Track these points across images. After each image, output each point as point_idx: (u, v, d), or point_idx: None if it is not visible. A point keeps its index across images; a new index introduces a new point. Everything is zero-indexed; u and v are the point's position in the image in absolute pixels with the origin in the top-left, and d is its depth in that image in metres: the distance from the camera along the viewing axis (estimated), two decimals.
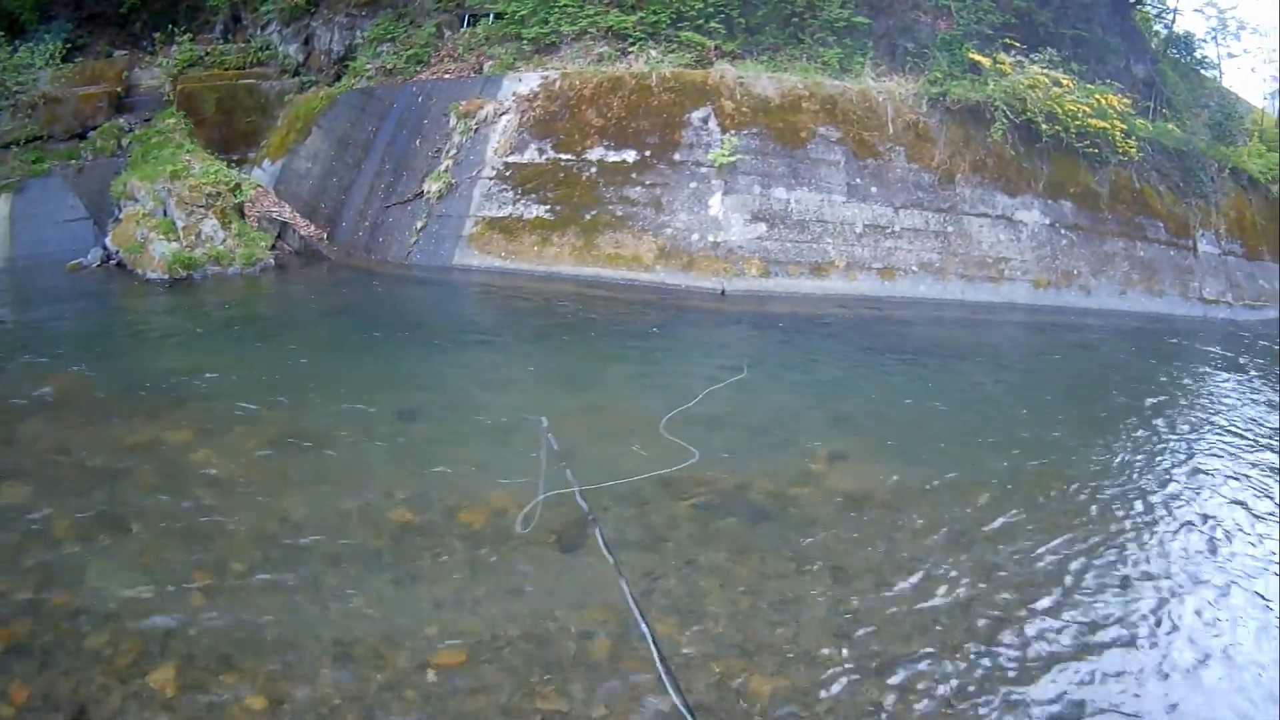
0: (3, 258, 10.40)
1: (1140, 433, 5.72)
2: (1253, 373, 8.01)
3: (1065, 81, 10.02)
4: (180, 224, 9.84)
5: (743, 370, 6.06)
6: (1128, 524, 4.20)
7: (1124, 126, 10.37)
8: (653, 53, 9.19)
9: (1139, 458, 5.22)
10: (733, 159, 8.71)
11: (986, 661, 2.94)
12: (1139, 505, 4.43)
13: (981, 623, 3.16)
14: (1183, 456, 5.30)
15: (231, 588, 3.16)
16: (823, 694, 2.71)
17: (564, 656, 2.82)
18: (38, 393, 5.32)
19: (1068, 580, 3.54)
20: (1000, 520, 4.06)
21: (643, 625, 2.87)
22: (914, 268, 9.01)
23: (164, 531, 3.53)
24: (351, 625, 2.94)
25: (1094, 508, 4.33)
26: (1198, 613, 3.36)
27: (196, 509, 3.73)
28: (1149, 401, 6.62)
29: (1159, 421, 6.06)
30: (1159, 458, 5.26)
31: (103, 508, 3.71)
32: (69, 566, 3.27)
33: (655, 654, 2.75)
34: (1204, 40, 12.43)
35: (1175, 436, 5.77)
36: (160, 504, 3.75)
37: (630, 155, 8.81)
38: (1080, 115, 9.93)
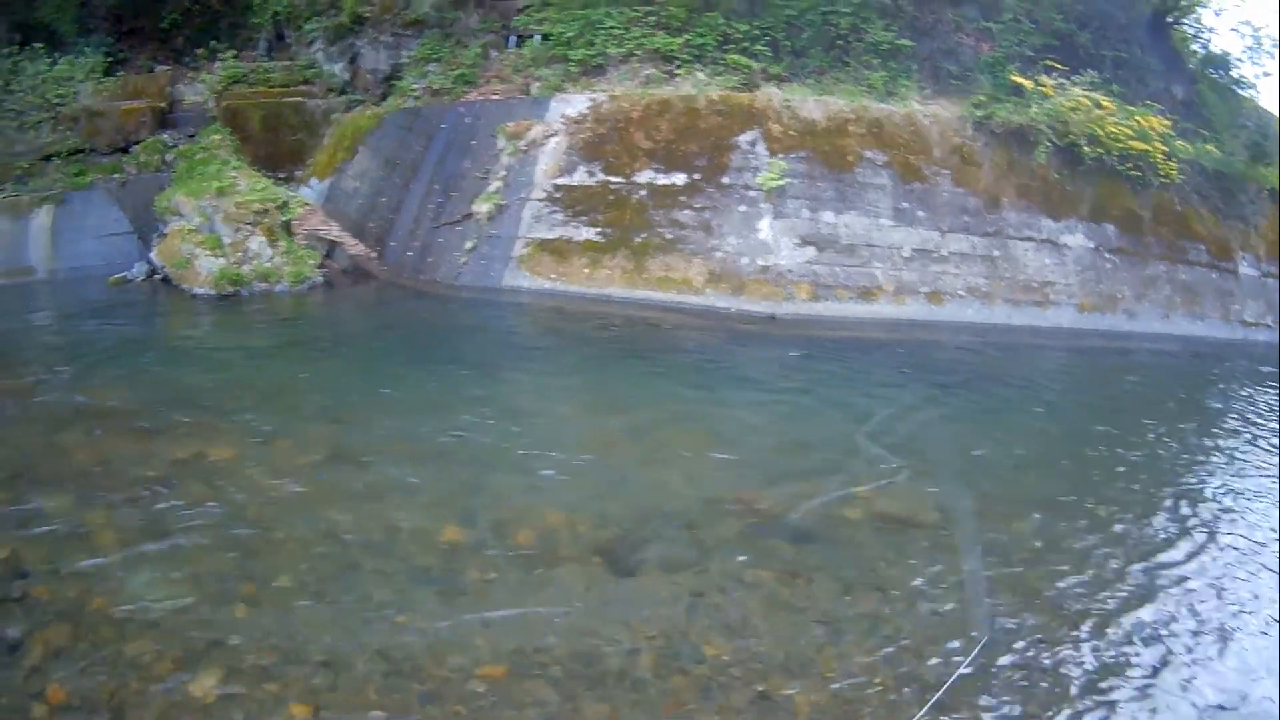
0: (44, 270, 10.46)
1: (1187, 456, 5.80)
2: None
3: (1106, 104, 10.05)
4: (227, 240, 9.91)
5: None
6: (1171, 549, 4.24)
7: (1165, 148, 10.39)
8: (700, 75, 9.23)
9: (1187, 481, 5.29)
10: (781, 182, 8.75)
11: (1028, 686, 2.99)
12: (1182, 529, 4.48)
13: (1024, 646, 3.21)
14: (1229, 480, 5.35)
15: (276, 600, 3.20)
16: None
17: (608, 672, 2.87)
18: (82, 404, 5.40)
19: (1113, 606, 3.58)
20: (1038, 545, 4.11)
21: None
22: (961, 292, 9.04)
23: (208, 544, 3.58)
24: (398, 639, 2.98)
25: (1139, 533, 4.40)
26: (1248, 644, 3.39)
27: (242, 522, 3.78)
28: (1194, 425, 6.71)
29: (1205, 445, 6.15)
30: (1208, 481, 5.32)
31: (146, 519, 3.77)
32: (111, 575, 3.32)
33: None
34: (1240, 59, 12.41)
35: (1222, 461, 5.84)
36: (205, 516, 3.80)
37: (679, 178, 8.86)
38: (1122, 137, 9.95)
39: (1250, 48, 12.56)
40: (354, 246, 9.52)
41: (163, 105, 11.60)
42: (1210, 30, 12.42)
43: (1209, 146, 11.37)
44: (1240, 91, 12.57)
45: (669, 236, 8.71)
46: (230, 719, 2.55)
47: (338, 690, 2.69)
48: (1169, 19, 12.13)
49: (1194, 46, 12.32)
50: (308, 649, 2.88)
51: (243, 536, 3.64)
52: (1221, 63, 12.33)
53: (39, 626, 2.95)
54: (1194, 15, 12.33)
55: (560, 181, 8.96)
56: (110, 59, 12.11)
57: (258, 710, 2.59)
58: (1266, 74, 13.28)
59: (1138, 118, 10.26)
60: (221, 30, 11.54)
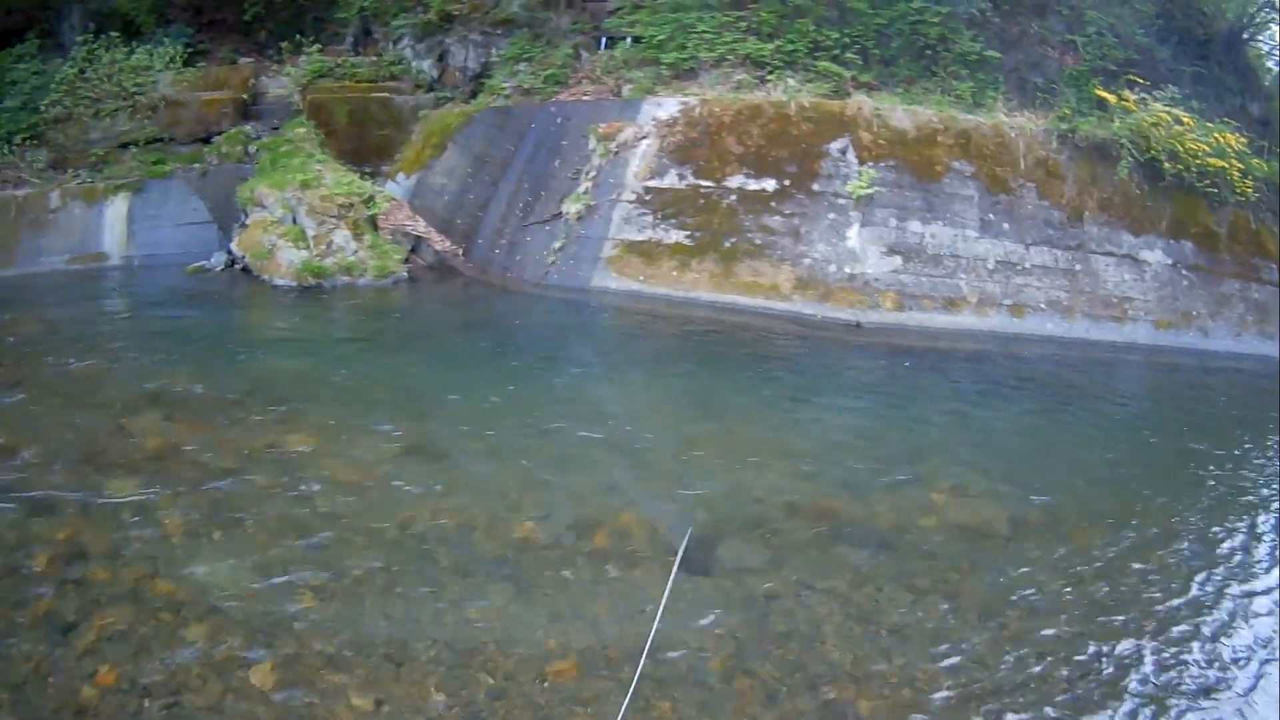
0: (119, 256, 10.65)
1: (1250, 479, 5.82)
2: None
3: (1186, 119, 10.07)
4: (310, 233, 10.09)
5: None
6: (1238, 566, 4.31)
7: (1241, 165, 10.41)
8: (790, 81, 9.33)
9: (1255, 499, 5.34)
10: (870, 191, 8.85)
11: (1092, 696, 3.04)
12: (1250, 548, 4.54)
13: (1084, 658, 3.26)
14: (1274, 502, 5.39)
15: (345, 590, 3.18)
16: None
17: (677, 674, 2.89)
18: (158, 389, 5.40)
19: (1178, 620, 3.64)
20: (1107, 559, 4.15)
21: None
22: (1042, 305, 9.11)
23: (278, 532, 3.55)
24: (467, 632, 2.97)
25: (1206, 549, 4.45)
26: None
27: (313, 513, 3.76)
28: (1260, 444, 6.75)
29: (1268, 464, 6.16)
30: (1260, 506, 5.34)
31: (215, 506, 3.73)
32: (174, 560, 3.28)
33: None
34: None
35: (1269, 483, 5.85)
36: (276, 505, 3.78)
37: (769, 184, 8.97)
38: (1200, 154, 9.98)
39: None
40: (440, 243, 9.68)
41: (245, 97, 11.79)
42: None
43: None
44: None
45: (758, 242, 8.83)
46: (289, 708, 2.51)
47: (400, 682, 2.67)
48: (1244, 35, 12.14)
49: (1269, 64, 12.32)
50: (374, 640, 2.86)
51: (314, 526, 3.62)
52: None
53: (96, 609, 2.91)
54: (1269, 32, 12.35)
55: (650, 184, 9.09)
56: (190, 50, 12.31)
57: (319, 699, 2.55)
58: None
59: (1215, 134, 10.28)
60: (306, 24, 11.71)
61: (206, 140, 11.69)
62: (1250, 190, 10.51)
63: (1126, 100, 9.94)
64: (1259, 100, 11.78)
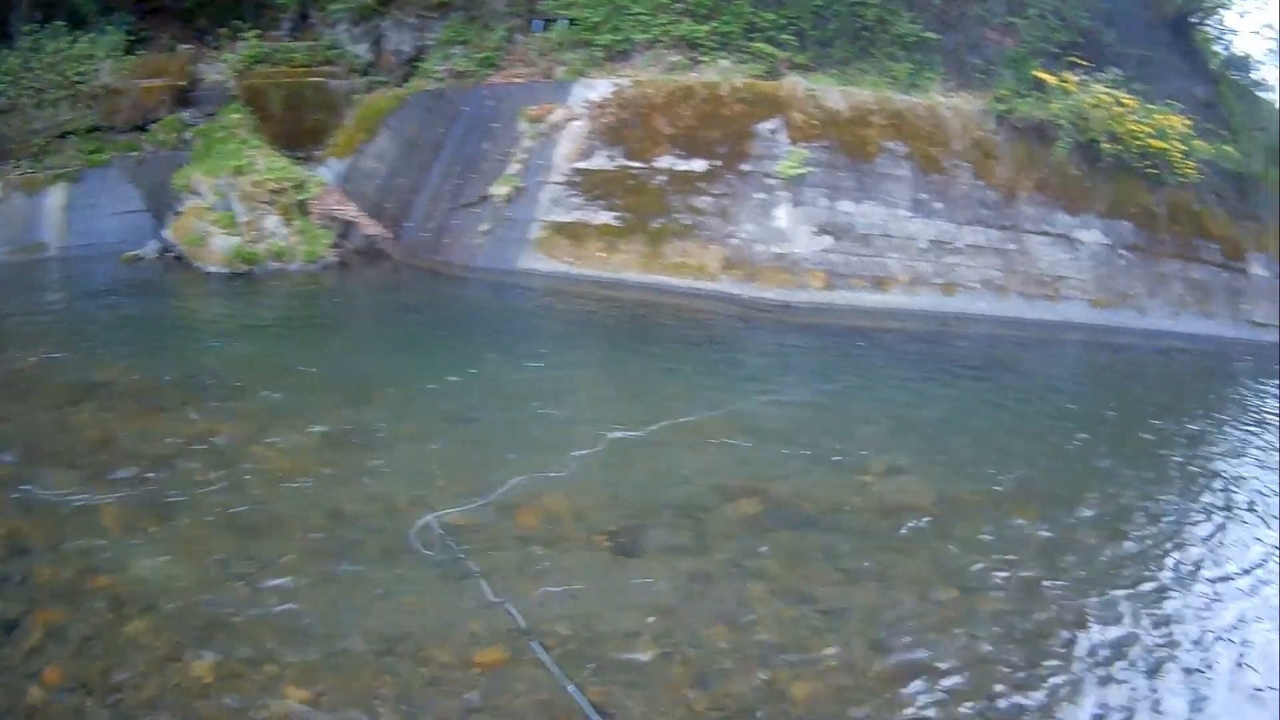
0: (57, 246, 10.50)
1: (1185, 453, 5.81)
2: None
3: (1128, 101, 10.03)
4: (242, 219, 9.97)
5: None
6: (1167, 539, 4.29)
7: (1184, 148, 10.37)
8: (724, 63, 9.25)
9: (1183, 477, 5.31)
10: (801, 171, 8.77)
11: (1023, 674, 3.01)
12: (1177, 523, 4.52)
13: (1023, 636, 3.24)
14: (1227, 477, 5.36)
15: (278, 580, 3.17)
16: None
17: (607, 655, 2.87)
18: (91, 381, 5.39)
19: (1116, 597, 3.60)
20: (1042, 536, 4.13)
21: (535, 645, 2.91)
22: (975, 284, 9.06)
23: (212, 523, 3.56)
24: (398, 620, 2.96)
25: (1136, 525, 4.40)
26: (1242, 627, 3.43)
27: (246, 501, 3.76)
28: (1195, 423, 6.73)
29: (1203, 443, 6.17)
30: (1203, 478, 5.34)
31: (150, 497, 3.74)
32: (113, 554, 3.29)
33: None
34: (1261, 62, 12.40)
35: (1219, 457, 5.86)
36: (209, 495, 3.79)
37: (699, 165, 8.89)
38: (1141, 135, 9.94)
39: (1273, 50, 12.57)
40: (370, 227, 9.58)
41: (183, 84, 11.64)
42: (1233, 32, 12.42)
43: (1227, 147, 11.36)
44: (1260, 94, 12.54)
45: (686, 222, 8.74)
46: (226, 702, 2.51)
47: (337, 672, 2.67)
48: (1192, 19, 12.11)
49: (1216, 48, 12.30)
50: (308, 631, 2.85)
51: (246, 516, 3.63)
52: (1242, 64, 12.30)
53: (38, 606, 2.91)
54: (1217, 17, 12.33)
55: (580, 165, 9.00)
56: (132, 38, 12.17)
57: (256, 692, 2.56)
58: None
59: (1158, 116, 10.24)
60: (245, 10, 11.57)
61: (144, 128, 11.56)
62: (1192, 172, 10.48)
63: (1067, 82, 9.90)
64: (1205, 83, 11.76)
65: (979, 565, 3.75)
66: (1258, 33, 12.35)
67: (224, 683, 2.58)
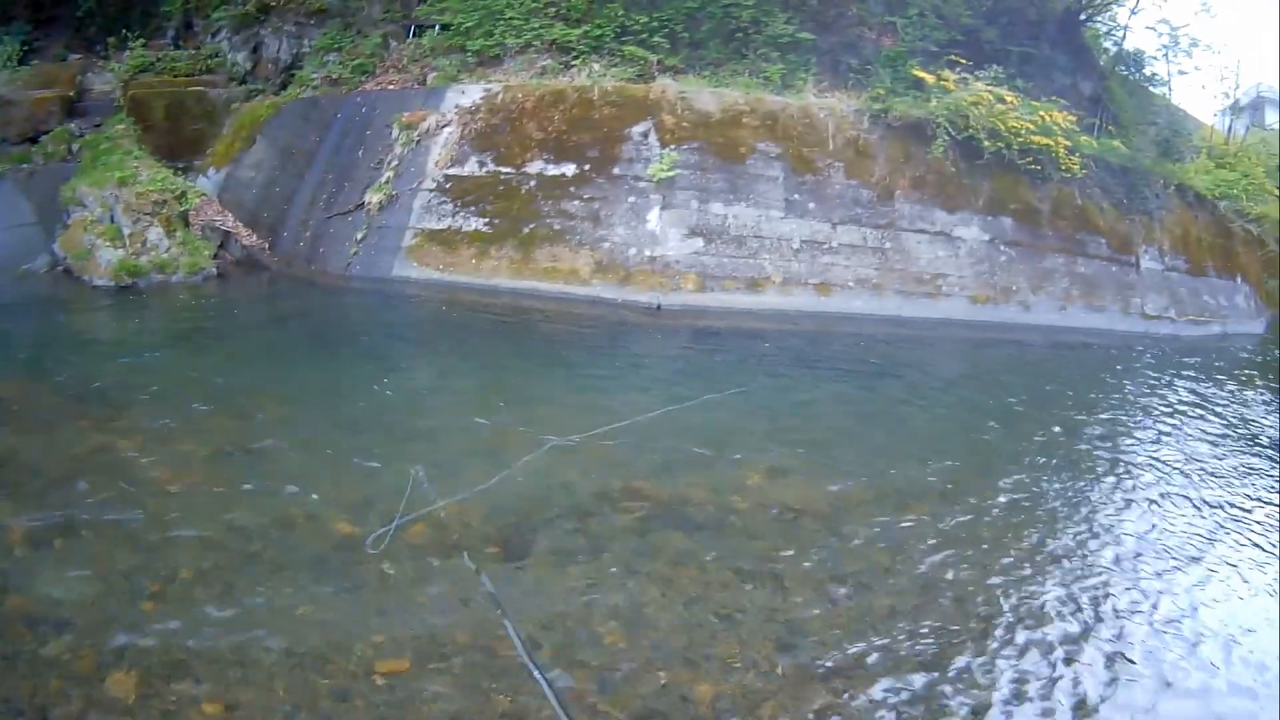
0: None
1: (1067, 445, 5.83)
2: (1175, 386, 8.17)
3: (1009, 98, 10.13)
4: (127, 231, 9.85)
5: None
6: (1066, 535, 4.32)
7: (1068, 143, 10.49)
8: (596, 66, 9.26)
9: (1068, 469, 5.32)
10: (672, 174, 8.79)
11: (929, 672, 3.03)
12: (1065, 515, 4.56)
13: (922, 631, 3.26)
14: (1109, 470, 5.42)
15: (181, 596, 3.20)
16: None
17: (505, 665, 2.90)
18: None
19: (1010, 592, 3.63)
20: (935, 533, 4.14)
21: (511, 631, 2.95)
22: (850, 283, 9.11)
23: (113, 538, 3.58)
24: (301, 633, 2.99)
25: (1023, 518, 4.44)
26: (1122, 615, 3.51)
27: (145, 516, 3.78)
28: (1076, 416, 6.73)
29: (1086, 434, 6.18)
30: (1086, 471, 5.37)
31: (54, 515, 3.74)
32: (23, 573, 3.29)
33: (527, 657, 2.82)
34: (1154, 57, 12.58)
35: (1102, 450, 5.87)
36: (108, 511, 3.80)
37: (570, 169, 8.88)
38: (1023, 132, 10.04)
39: (1166, 46, 12.76)
40: (247, 237, 9.49)
41: (72, 94, 11.49)
42: (1124, 28, 12.61)
43: (1115, 142, 11.52)
44: (1153, 89, 12.73)
45: (557, 227, 8.73)
46: (148, 717, 2.55)
47: (247, 686, 2.71)
48: (1082, 16, 12.27)
49: (1107, 44, 12.46)
50: (216, 645, 2.90)
51: (146, 531, 3.65)
52: (1134, 60, 12.48)
53: None
54: (1108, 13, 12.51)
55: (451, 172, 8.96)
56: (26, 48, 12.01)
57: (174, 708, 2.60)
58: (1182, 72, 13.49)
59: (1041, 112, 10.35)
60: (134, 18, 11.46)
61: (35, 140, 11.42)
62: (1077, 167, 10.61)
63: (945, 80, 9.98)
64: (1092, 79, 11.91)
65: (874, 563, 3.77)
66: (1152, 28, 12.48)
67: (142, 700, 2.62)
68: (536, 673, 2.80)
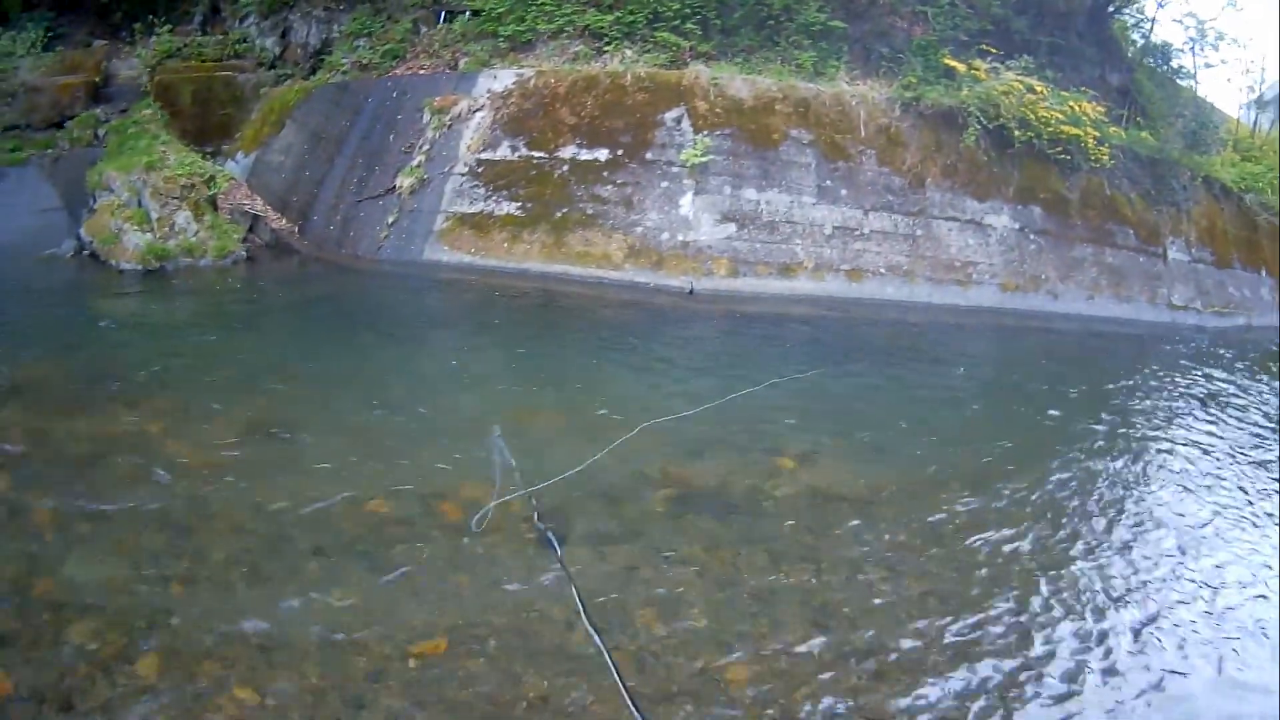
0: None
1: (1091, 433, 5.78)
2: (1212, 376, 8.13)
3: (1039, 88, 10.10)
4: (154, 215, 9.84)
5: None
6: (1087, 519, 4.29)
7: (1097, 134, 10.46)
8: (628, 52, 9.24)
9: (1094, 457, 5.28)
10: (704, 159, 8.76)
11: (969, 651, 3.01)
12: (1096, 502, 4.52)
13: (955, 614, 3.24)
14: (1134, 457, 5.39)
15: (212, 578, 3.16)
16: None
17: (542, 647, 2.86)
18: (12, 382, 5.31)
19: (1046, 577, 3.60)
20: (965, 517, 4.12)
21: (586, 624, 2.92)
22: (881, 270, 9.08)
23: (142, 521, 3.54)
24: (334, 615, 2.95)
25: (1055, 504, 4.40)
26: (1158, 601, 3.46)
27: (174, 498, 3.74)
28: (1105, 403, 6.70)
29: (1111, 422, 6.12)
30: (1110, 458, 5.33)
31: (81, 498, 3.71)
32: (50, 556, 3.26)
33: (605, 653, 2.79)
34: (1181, 50, 12.54)
35: (1125, 438, 5.84)
36: (137, 494, 3.76)
37: (602, 154, 8.86)
38: (1053, 122, 10.01)
39: (1193, 39, 12.72)
40: (276, 221, 9.47)
41: (97, 80, 11.50)
42: (1152, 21, 12.57)
43: (1143, 134, 11.49)
44: (1180, 81, 12.68)
45: (589, 212, 8.71)
46: (177, 705, 2.50)
47: (277, 668, 2.67)
48: (1110, 8, 12.24)
49: (1134, 36, 12.42)
50: (247, 629, 2.85)
51: (175, 513, 3.61)
52: (1161, 53, 12.44)
53: None
54: (1136, 5, 12.46)
55: (483, 156, 8.94)
56: (51, 34, 12.02)
57: (205, 693, 2.56)
58: (1209, 65, 13.44)
59: (1071, 103, 10.32)
60: (159, 5, 11.45)
61: (60, 125, 11.42)
62: (1106, 158, 10.58)
63: (976, 69, 9.95)
64: (1120, 71, 11.87)
65: (908, 547, 3.74)
66: (1179, 21, 12.44)
67: (171, 686, 2.57)
68: (607, 657, 2.76)
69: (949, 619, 3.19)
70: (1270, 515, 4.52)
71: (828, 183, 9.11)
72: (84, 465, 4.03)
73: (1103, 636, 3.16)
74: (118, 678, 2.59)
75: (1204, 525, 4.34)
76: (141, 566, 3.19)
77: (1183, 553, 3.99)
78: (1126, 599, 3.48)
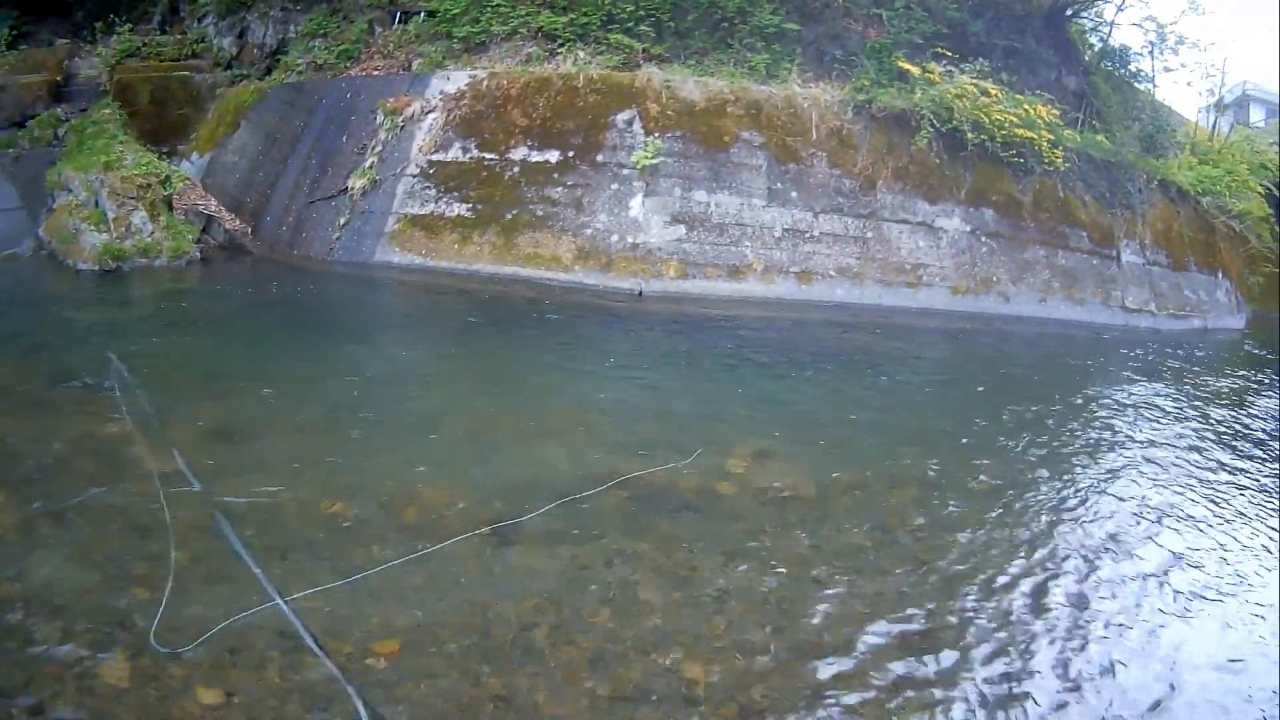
0: None
1: (1038, 434, 5.86)
2: (1157, 378, 8.24)
3: (994, 91, 10.19)
4: (111, 215, 9.86)
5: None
6: (1037, 517, 4.38)
7: (1051, 137, 10.56)
8: (581, 54, 9.28)
9: (1042, 456, 5.36)
10: (655, 161, 8.82)
11: (926, 649, 3.06)
12: (1059, 507, 4.59)
13: (911, 613, 3.31)
14: (1081, 457, 5.48)
15: (173, 579, 3.18)
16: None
17: (505, 642, 2.93)
18: None
19: (1001, 576, 3.67)
20: (917, 516, 4.19)
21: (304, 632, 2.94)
22: (831, 272, 9.16)
23: (100, 522, 3.57)
24: (294, 616, 2.99)
25: (1006, 503, 4.48)
26: (1097, 590, 3.57)
27: (131, 500, 3.77)
28: (1051, 405, 6.75)
29: (1054, 423, 6.21)
30: (1059, 458, 5.42)
31: (42, 499, 3.75)
32: (14, 559, 3.28)
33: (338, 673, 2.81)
34: (1140, 54, 12.65)
35: (1073, 438, 5.91)
36: (97, 495, 3.80)
37: (553, 156, 8.91)
38: (1007, 125, 10.10)
39: (1153, 43, 12.84)
40: (230, 221, 9.49)
41: (59, 79, 11.50)
42: (1111, 25, 12.68)
43: (1099, 137, 11.59)
44: (1138, 85, 12.79)
45: (540, 213, 8.76)
46: (145, 706, 2.53)
47: (242, 670, 2.71)
48: (1068, 12, 12.34)
49: (1092, 40, 12.52)
50: (209, 631, 2.88)
51: (133, 515, 3.64)
52: (1119, 56, 12.54)
53: None
54: (1094, 9, 12.57)
55: (435, 158, 8.98)
56: (15, 33, 12.00)
57: (171, 694, 2.58)
58: (1168, 69, 13.56)
59: (1025, 106, 10.42)
60: (121, 4, 11.45)
61: (21, 125, 11.42)
62: (1060, 160, 10.68)
63: (930, 73, 10.03)
64: (1077, 74, 11.98)
65: (861, 546, 3.80)
66: (1138, 25, 12.55)
67: (138, 687, 2.60)
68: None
69: (902, 617, 3.25)
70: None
71: (778, 185, 9.18)
72: (46, 467, 4.06)
73: (1050, 629, 3.24)
74: (86, 679, 2.62)
75: (1152, 519, 4.45)
76: (103, 567, 3.22)
77: (1115, 541, 4.09)
78: (1080, 587, 3.59)
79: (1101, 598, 3.56)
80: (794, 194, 9.22)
